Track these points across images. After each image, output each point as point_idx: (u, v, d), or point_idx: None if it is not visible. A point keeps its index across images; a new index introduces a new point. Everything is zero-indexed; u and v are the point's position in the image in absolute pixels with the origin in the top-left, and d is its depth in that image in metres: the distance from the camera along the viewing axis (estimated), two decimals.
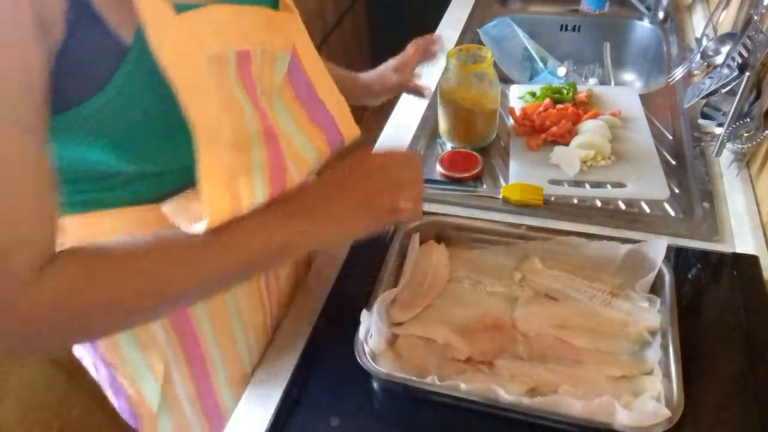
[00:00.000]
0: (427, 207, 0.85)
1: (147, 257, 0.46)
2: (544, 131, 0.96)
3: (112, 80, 0.42)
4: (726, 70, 0.89)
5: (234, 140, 0.47)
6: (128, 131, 0.45)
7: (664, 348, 0.60)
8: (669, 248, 0.68)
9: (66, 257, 0.43)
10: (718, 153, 0.85)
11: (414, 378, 0.58)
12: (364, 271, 0.71)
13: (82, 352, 0.69)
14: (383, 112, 1.06)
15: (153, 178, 0.51)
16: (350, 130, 0.60)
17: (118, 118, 0.44)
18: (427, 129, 1.02)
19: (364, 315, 0.62)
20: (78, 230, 0.53)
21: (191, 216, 0.49)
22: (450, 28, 1.37)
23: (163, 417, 0.69)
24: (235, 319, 0.65)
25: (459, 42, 1.31)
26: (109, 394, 0.71)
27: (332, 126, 0.59)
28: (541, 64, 1.32)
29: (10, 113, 0.37)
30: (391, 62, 0.90)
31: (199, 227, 0.47)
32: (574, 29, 1.40)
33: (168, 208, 0.51)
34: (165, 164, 0.49)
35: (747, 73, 0.80)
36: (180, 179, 0.51)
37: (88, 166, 0.47)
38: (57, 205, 0.42)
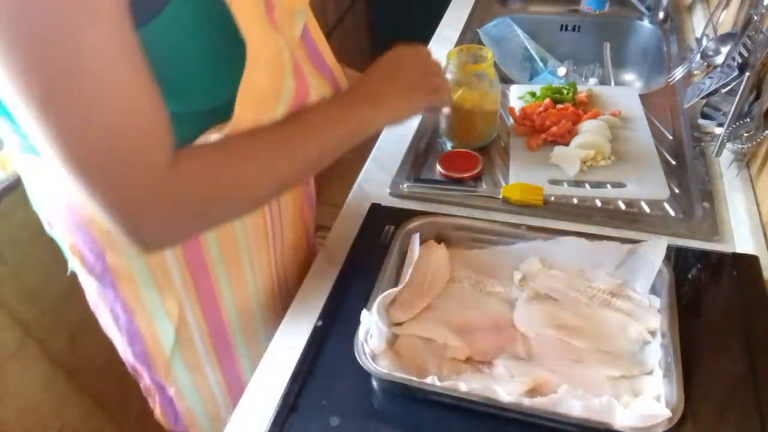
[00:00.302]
0: (427, 207, 0.85)
1: (254, 145, 0.54)
2: (544, 131, 0.96)
3: (161, 13, 0.44)
4: (726, 70, 0.89)
5: (271, 65, 0.53)
6: (171, 65, 0.48)
7: (664, 348, 0.60)
8: (669, 248, 0.68)
9: (185, 153, 0.48)
10: (718, 153, 0.85)
11: (414, 378, 0.58)
12: (364, 271, 0.71)
13: (100, 303, 0.71)
14: None
15: (183, 118, 0.54)
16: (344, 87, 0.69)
17: (163, 52, 0.47)
18: (427, 129, 1.02)
19: (364, 315, 0.62)
20: None
21: None
22: (450, 28, 1.37)
23: (176, 357, 0.71)
24: (243, 249, 0.68)
25: (459, 42, 1.31)
26: (124, 342, 0.72)
27: (334, 83, 0.67)
28: (541, 64, 1.32)
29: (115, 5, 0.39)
30: None
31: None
32: (574, 29, 1.40)
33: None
34: (198, 104, 0.54)
35: (747, 73, 0.80)
36: (207, 121, 0.55)
37: None
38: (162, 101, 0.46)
